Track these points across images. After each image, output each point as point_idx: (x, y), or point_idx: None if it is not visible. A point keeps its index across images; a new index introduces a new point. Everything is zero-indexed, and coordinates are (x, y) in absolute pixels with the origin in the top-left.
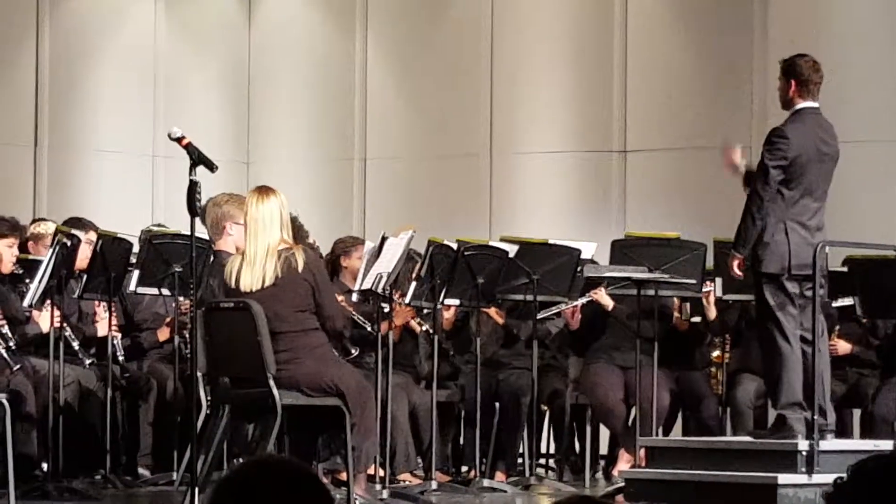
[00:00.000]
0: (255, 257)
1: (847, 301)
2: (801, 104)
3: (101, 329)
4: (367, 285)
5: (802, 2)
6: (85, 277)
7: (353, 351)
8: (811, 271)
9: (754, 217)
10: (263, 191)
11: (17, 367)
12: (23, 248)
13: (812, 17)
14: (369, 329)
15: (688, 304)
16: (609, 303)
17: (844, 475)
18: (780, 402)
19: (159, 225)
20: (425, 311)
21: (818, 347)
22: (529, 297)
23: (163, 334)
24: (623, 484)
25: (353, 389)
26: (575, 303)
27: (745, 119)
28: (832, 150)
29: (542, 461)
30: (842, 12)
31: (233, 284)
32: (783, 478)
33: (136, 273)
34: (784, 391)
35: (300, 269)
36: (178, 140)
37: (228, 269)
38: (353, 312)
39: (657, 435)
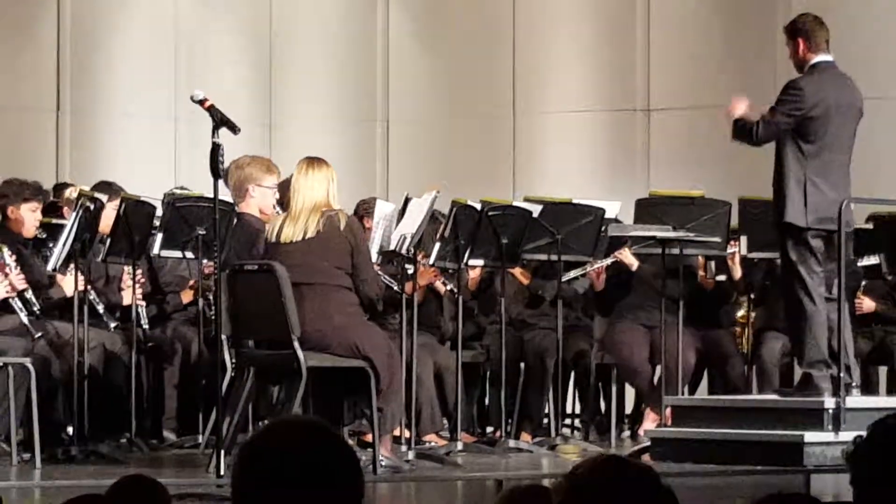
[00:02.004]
0: (299, 213)
1: (873, 260)
2: (815, 59)
3: (126, 298)
4: (391, 246)
5: None
6: (109, 241)
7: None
8: (834, 226)
9: (751, 137)
10: (314, 160)
11: (39, 335)
12: (53, 212)
13: None
14: (395, 289)
15: (712, 263)
16: (634, 262)
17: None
18: (806, 360)
19: (182, 188)
20: (449, 271)
21: (816, 303)
22: (554, 258)
23: (186, 297)
24: (649, 443)
25: (380, 352)
26: (600, 264)
27: (770, 76)
28: (854, 103)
29: (568, 421)
30: None
31: (273, 238)
32: (809, 436)
33: (159, 236)
34: (809, 349)
35: (342, 227)
36: (201, 102)
37: (270, 226)
38: (380, 272)
39: (683, 394)
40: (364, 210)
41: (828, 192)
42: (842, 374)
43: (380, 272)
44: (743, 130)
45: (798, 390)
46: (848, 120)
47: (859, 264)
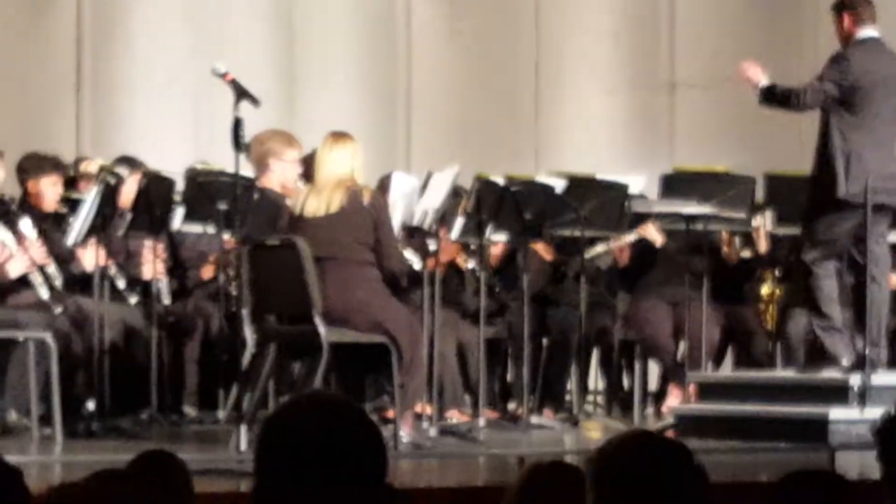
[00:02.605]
0: (323, 187)
1: None
2: (860, 34)
3: (147, 272)
4: (413, 222)
5: None
6: (130, 216)
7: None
8: (878, 199)
9: (795, 101)
10: (340, 134)
11: (59, 310)
12: (72, 186)
13: None
14: (418, 264)
15: (737, 238)
16: (658, 238)
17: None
18: (817, 325)
19: (203, 163)
20: (472, 247)
21: (878, 281)
22: (577, 233)
23: (207, 272)
24: (673, 420)
25: (402, 327)
26: (623, 240)
27: (794, 52)
28: None
29: (591, 398)
30: None
31: (297, 211)
32: (834, 412)
33: (180, 211)
34: (817, 315)
35: (366, 202)
36: (222, 76)
37: (295, 199)
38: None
39: (707, 370)
40: (385, 184)
41: (871, 163)
42: (867, 351)
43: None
44: (781, 96)
45: (811, 363)
46: (893, 93)
47: (889, 240)
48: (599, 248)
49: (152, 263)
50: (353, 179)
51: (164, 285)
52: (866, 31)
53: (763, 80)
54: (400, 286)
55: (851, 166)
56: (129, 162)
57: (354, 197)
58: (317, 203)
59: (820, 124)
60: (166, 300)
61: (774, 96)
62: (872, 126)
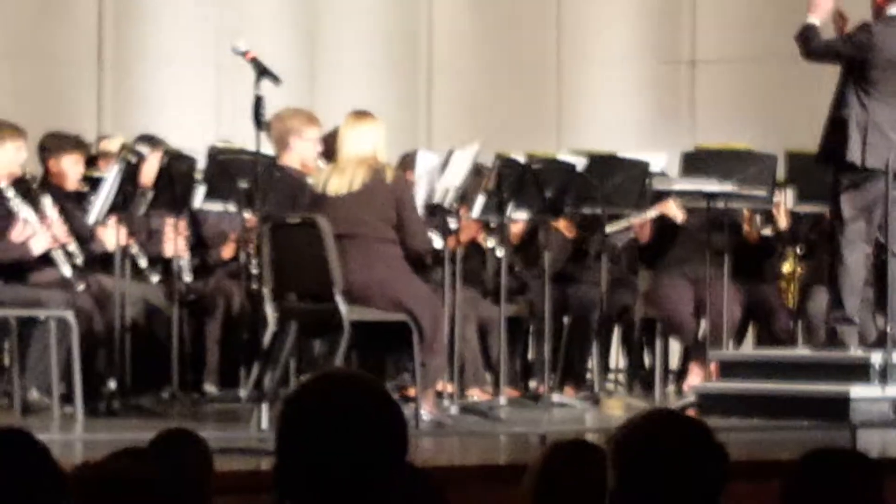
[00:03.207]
0: (346, 165)
1: None
2: (891, 10)
3: (169, 249)
4: (435, 200)
5: None
6: (151, 194)
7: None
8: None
9: (807, 43)
10: (362, 113)
11: (82, 287)
12: (93, 164)
13: None
14: (439, 243)
15: (758, 216)
16: (679, 215)
17: None
18: (832, 315)
19: (226, 141)
20: (492, 225)
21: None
22: (598, 211)
23: (228, 251)
24: (694, 398)
25: (423, 306)
26: (643, 216)
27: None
28: None
29: (612, 376)
30: None
31: (320, 189)
32: (856, 390)
33: (201, 189)
34: (835, 303)
35: (388, 181)
36: (243, 54)
37: (318, 177)
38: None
39: (728, 348)
40: (408, 163)
41: (890, 134)
42: (889, 329)
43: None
44: (805, 34)
45: (826, 345)
46: None
47: None
48: (619, 225)
49: (174, 241)
50: (376, 158)
51: (185, 263)
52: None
53: (816, 19)
54: (423, 265)
55: (870, 136)
56: (150, 140)
57: (377, 175)
58: (339, 181)
59: (836, 94)
60: (188, 278)
61: (804, 34)
62: (890, 99)
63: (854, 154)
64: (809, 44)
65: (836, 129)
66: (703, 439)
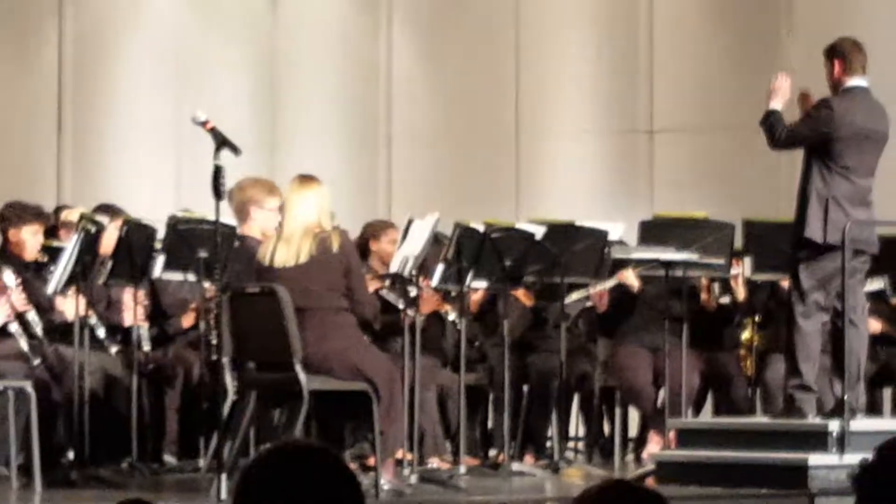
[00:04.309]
0: (291, 235)
1: (877, 283)
2: (850, 82)
3: (128, 319)
4: (393, 269)
5: None
6: (110, 264)
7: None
8: (856, 247)
9: (773, 136)
10: (306, 178)
11: (38, 361)
12: (52, 235)
13: None
14: (401, 307)
15: (716, 285)
16: (635, 284)
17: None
18: (790, 383)
19: (185, 210)
20: (452, 293)
21: (856, 325)
22: (557, 279)
23: (188, 320)
24: (653, 466)
25: (381, 374)
26: (602, 286)
27: None
28: (882, 129)
29: (571, 444)
30: None
31: (266, 262)
32: (814, 458)
33: (161, 258)
34: (793, 371)
35: (335, 249)
36: (203, 124)
37: (263, 249)
38: (388, 293)
39: (687, 416)
40: (371, 232)
41: (850, 212)
42: (846, 396)
43: (386, 293)
44: (770, 125)
45: (784, 413)
46: (875, 146)
47: (864, 289)
48: (577, 295)
49: (133, 310)
50: (321, 225)
51: (144, 331)
52: (855, 81)
53: (778, 104)
54: (374, 329)
55: (830, 212)
56: (109, 209)
57: (323, 244)
58: (286, 253)
59: (802, 169)
60: (147, 347)
61: (768, 121)
62: (850, 175)
63: (814, 231)
64: (774, 132)
65: (800, 203)
66: None
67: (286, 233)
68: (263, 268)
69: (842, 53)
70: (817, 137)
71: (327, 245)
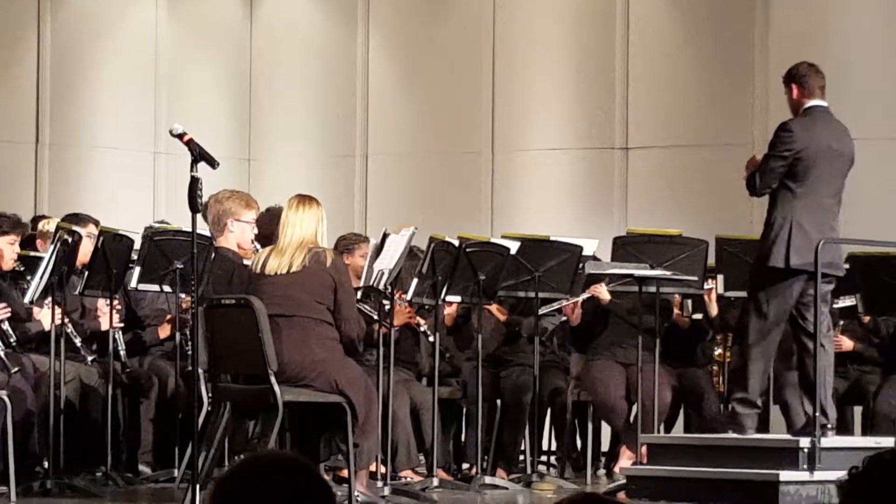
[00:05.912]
0: (286, 247)
1: (849, 300)
2: (808, 104)
3: (104, 324)
4: (365, 281)
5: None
6: (86, 274)
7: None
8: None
9: (752, 189)
10: (305, 197)
11: (15, 370)
12: (30, 245)
13: (813, 14)
14: (376, 319)
15: (689, 301)
16: (606, 296)
17: (846, 472)
18: (734, 396)
19: (162, 222)
20: (426, 307)
21: (822, 344)
22: (531, 294)
23: (164, 331)
24: (624, 481)
25: (357, 387)
26: (575, 299)
27: (747, 116)
28: (845, 148)
29: (544, 458)
30: (842, 9)
31: (257, 269)
32: (785, 475)
33: (137, 270)
34: (739, 385)
35: (327, 264)
36: (180, 136)
37: (256, 258)
38: (363, 306)
39: (659, 432)
40: (344, 246)
41: (812, 233)
42: (817, 414)
43: (362, 305)
44: (747, 182)
45: (727, 422)
46: (836, 165)
47: (836, 305)
48: (549, 309)
49: (108, 315)
50: (316, 242)
51: (120, 337)
52: (814, 102)
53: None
54: (357, 350)
55: (794, 236)
56: (76, 218)
57: (317, 258)
58: (278, 262)
59: (769, 194)
60: (122, 351)
61: (747, 183)
62: (814, 196)
63: (778, 258)
64: (751, 182)
65: (765, 228)
66: None
67: (281, 245)
68: (254, 274)
69: (798, 78)
70: (787, 162)
71: (321, 259)
